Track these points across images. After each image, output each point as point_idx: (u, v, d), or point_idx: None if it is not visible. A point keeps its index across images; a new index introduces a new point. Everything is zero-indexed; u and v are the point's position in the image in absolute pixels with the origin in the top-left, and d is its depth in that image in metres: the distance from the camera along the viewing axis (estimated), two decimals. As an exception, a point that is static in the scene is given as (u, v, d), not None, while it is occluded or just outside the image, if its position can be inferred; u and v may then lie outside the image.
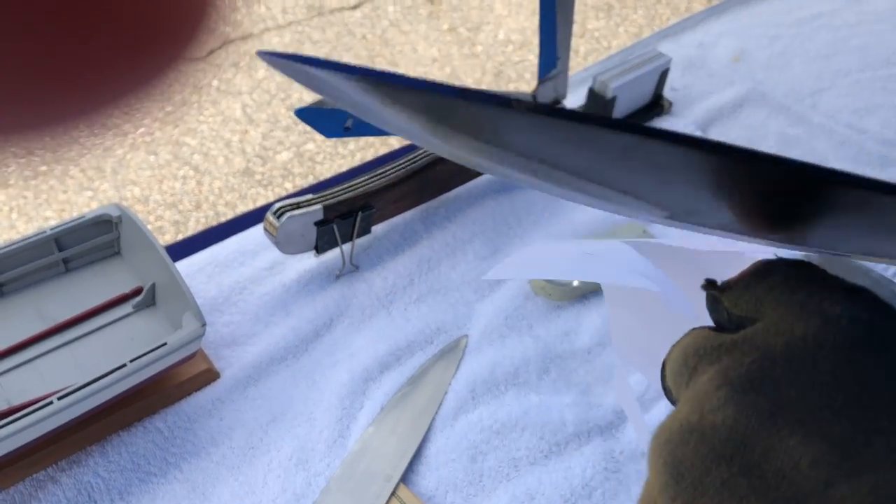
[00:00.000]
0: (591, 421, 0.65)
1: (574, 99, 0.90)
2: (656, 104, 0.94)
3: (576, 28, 2.40)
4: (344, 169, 1.86)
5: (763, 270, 0.29)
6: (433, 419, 0.64)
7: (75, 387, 0.55)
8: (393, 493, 0.59)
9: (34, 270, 0.66)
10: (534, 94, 0.80)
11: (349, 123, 0.67)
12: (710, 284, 0.30)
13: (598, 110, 0.88)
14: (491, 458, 0.62)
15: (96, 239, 0.67)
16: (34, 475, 0.60)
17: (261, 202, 1.74)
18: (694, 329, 0.30)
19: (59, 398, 0.54)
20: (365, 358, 0.68)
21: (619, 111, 0.89)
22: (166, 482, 0.60)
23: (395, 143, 1.88)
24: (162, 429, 0.63)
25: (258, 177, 1.79)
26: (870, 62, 1.06)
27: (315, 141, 1.88)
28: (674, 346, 0.30)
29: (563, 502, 0.59)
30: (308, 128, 0.66)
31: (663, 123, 0.93)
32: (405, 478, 0.60)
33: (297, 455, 0.62)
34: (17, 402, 0.59)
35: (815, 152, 0.92)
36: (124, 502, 0.59)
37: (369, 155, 1.87)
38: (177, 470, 0.61)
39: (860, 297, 0.26)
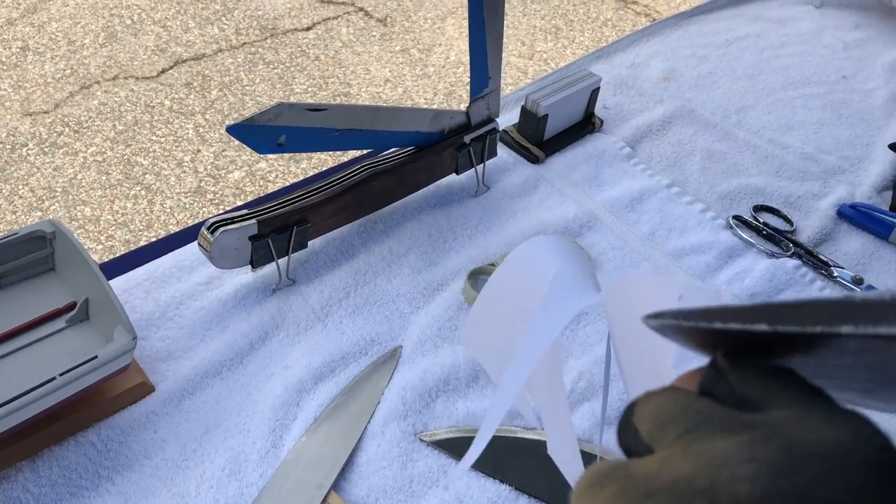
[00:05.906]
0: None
1: (508, 117, 0.92)
2: (588, 122, 0.97)
3: (524, 50, 2.45)
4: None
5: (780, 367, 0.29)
6: (365, 428, 0.66)
7: (2, 400, 0.55)
8: (324, 501, 0.60)
9: (-33, 287, 0.66)
10: (468, 112, 0.82)
11: (282, 140, 0.69)
12: (723, 357, 0.29)
13: (531, 127, 0.91)
14: (421, 464, 0.63)
15: (30, 255, 0.68)
16: (-36, 491, 0.60)
17: (212, 221, 1.74)
18: (677, 387, 0.30)
19: (-12, 412, 0.55)
20: (300, 370, 0.69)
21: (550, 129, 0.93)
22: (97, 495, 0.61)
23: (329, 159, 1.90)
24: (95, 442, 0.63)
25: (210, 196, 1.79)
26: (792, 81, 1.10)
27: (267, 160, 1.89)
28: (654, 393, 0.29)
29: (489, 505, 0.61)
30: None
31: (594, 141, 0.96)
32: (336, 486, 0.62)
33: (230, 466, 0.63)
34: (-54, 417, 0.59)
35: (740, 166, 0.96)
36: (55, 516, 0.59)
37: (321, 174, 1.88)
38: (109, 483, 0.61)
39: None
